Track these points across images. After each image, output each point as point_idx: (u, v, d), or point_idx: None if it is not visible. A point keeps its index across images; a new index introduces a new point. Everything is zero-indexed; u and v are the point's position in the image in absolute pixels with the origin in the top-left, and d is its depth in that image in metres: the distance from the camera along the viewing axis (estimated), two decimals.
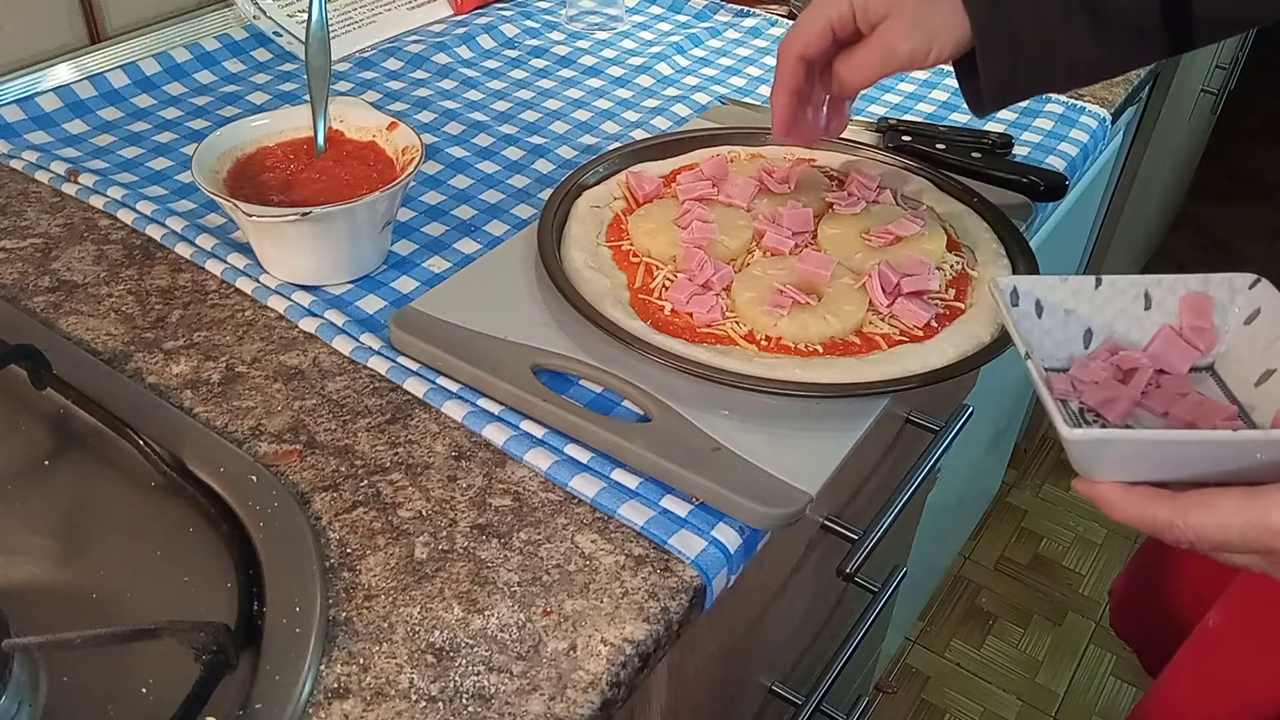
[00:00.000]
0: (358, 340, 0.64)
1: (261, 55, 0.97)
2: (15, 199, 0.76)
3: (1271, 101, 2.93)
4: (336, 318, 0.66)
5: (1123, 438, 0.44)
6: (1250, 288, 0.52)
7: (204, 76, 0.93)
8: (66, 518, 0.54)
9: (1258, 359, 0.51)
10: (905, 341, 0.62)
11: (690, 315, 0.63)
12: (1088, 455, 0.45)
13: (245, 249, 0.70)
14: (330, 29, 0.69)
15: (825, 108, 0.69)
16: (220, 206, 0.68)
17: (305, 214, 0.62)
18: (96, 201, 0.76)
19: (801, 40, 0.63)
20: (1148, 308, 0.54)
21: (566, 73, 0.98)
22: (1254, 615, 0.67)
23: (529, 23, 1.07)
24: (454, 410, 0.60)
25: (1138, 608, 0.83)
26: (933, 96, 0.97)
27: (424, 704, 0.46)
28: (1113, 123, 0.97)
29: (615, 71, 0.99)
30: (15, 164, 0.79)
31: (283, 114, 0.71)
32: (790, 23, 1.09)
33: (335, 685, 0.46)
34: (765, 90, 0.97)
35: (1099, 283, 0.53)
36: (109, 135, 0.84)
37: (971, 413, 0.74)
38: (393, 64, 0.97)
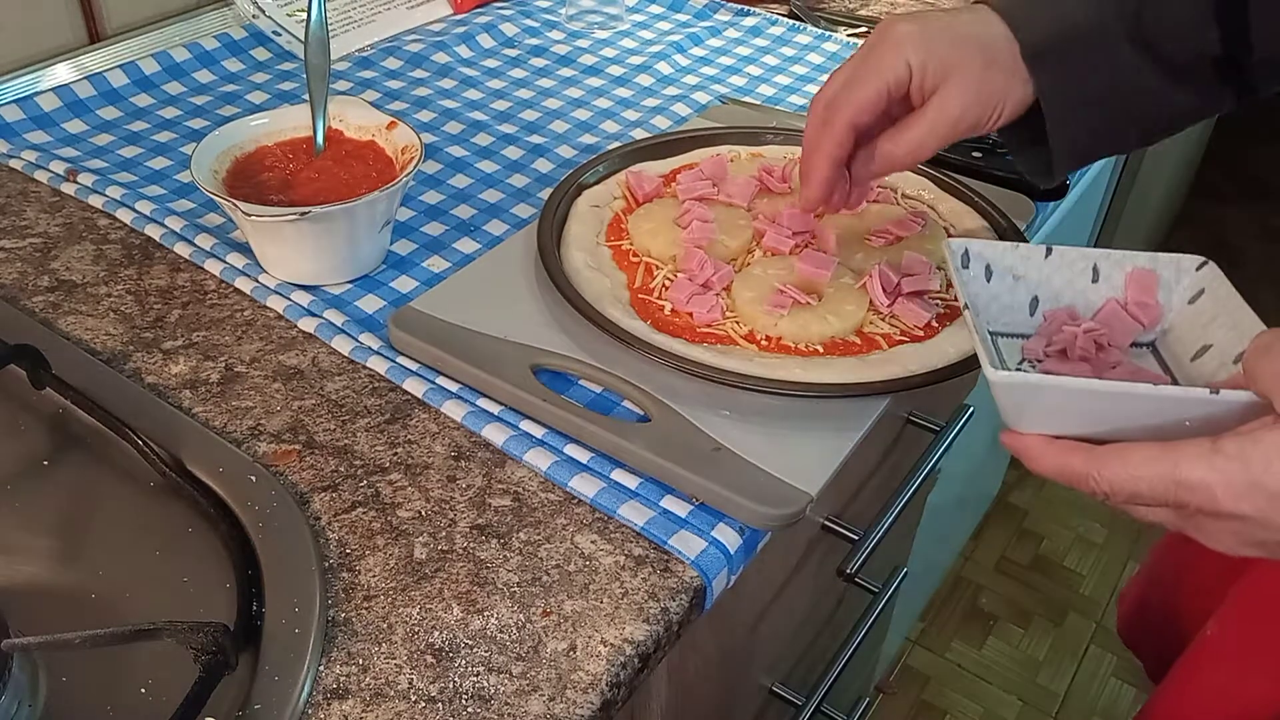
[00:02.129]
0: (357, 340, 0.64)
1: (261, 54, 0.97)
2: (14, 198, 0.76)
3: (1272, 101, 2.93)
4: (336, 317, 0.66)
5: (1045, 384, 0.44)
6: (1197, 269, 0.53)
7: (203, 76, 0.93)
8: (66, 518, 0.54)
9: (1197, 335, 0.52)
10: (906, 341, 0.62)
11: (690, 315, 0.63)
12: (1013, 402, 0.45)
13: (244, 248, 0.70)
14: (329, 28, 0.69)
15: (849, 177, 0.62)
16: (219, 206, 0.67)
17: (304, 214, 0.62)
18: (96, 201, 0.75)
19: (854, 107, 0.56)
20: (1095, 280, 0.54)
21: (566, 72, 0.98)
22: (1249, 626, 0.67)
23: (529, 22, 1.07)
24: (453, 410, 0.60)
25: (1146, 616, 0.82)
26: None
27: (423, 704, 0.46)
28: None
29: (615, 71, 0.98)
30: (14, 163, 0.79)
31: (282, 113, 0.71)
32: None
33: (334, 686, 0.46)
34: (766, 89, 0.96)
35: (1049, 252, 0.54)
36: (108, 135, 0.83)
37: (972, 413, 0.74)
38: (392, 63, 0.97)
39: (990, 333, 0.53)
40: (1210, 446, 0.40)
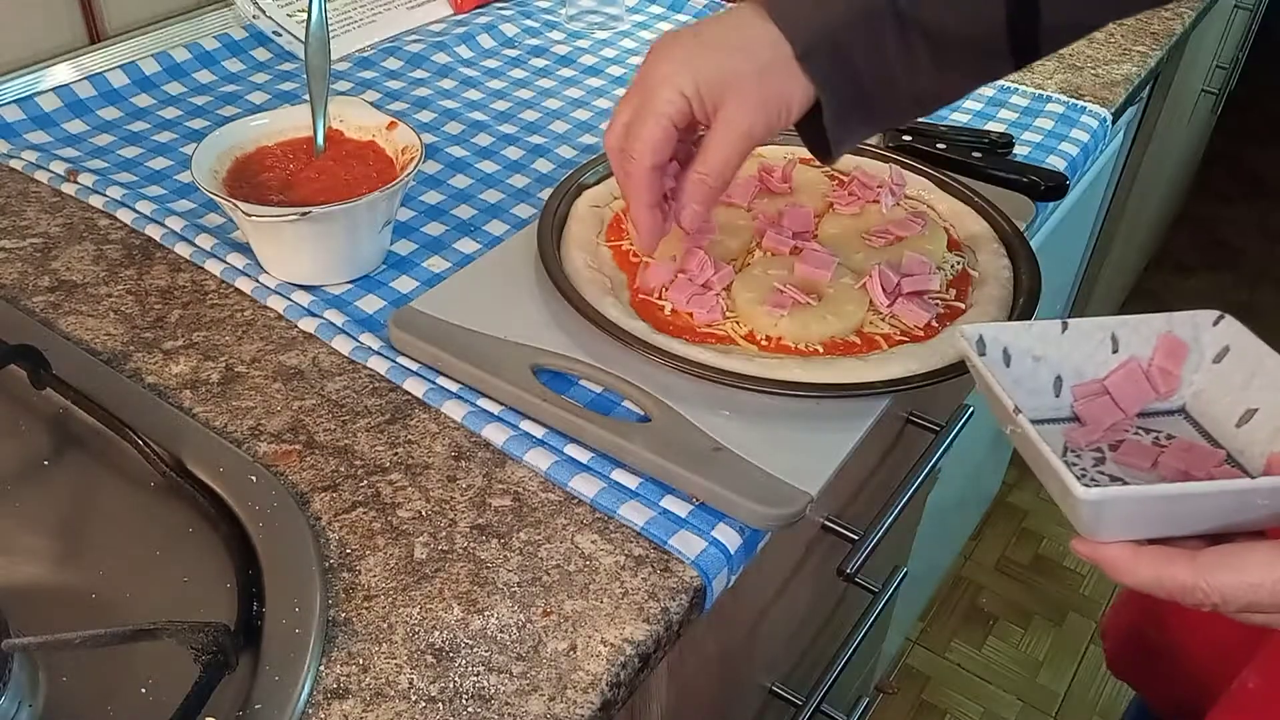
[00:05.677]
0: (357, 340, 0.64)
1: (261, 55, 0.97)
2: (15, 199, 0.76)
3: (1272, 101, 2.93)
4: (336, 317, 0.66)
5: (1137, 495, 0.41)
6: (1214, 324, 0.51)
7: (203, 76, 0.93)
8: (66, 518, 0.54)
9: (1235, 399, 0.49)
10: (906, 341, 0.62)
11: (690, 315, 0.63)
12: (1094, 515, 0.42)
13: (244, 249, 0.70)
14: (330, 28, 0.69)
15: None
16: (219, 206, 0.67)
17: (305, 214, 0.62)
18: (96, 201, 0.76)
19: (649, 150, 0.56)
20: (1115, 350, 0.52)
21: (566, 72, 0.98)
22: None
23: (529, 22, 1.07)
24: (454, 410, 0.60)
25: (1142, 653, 0.78)
26: None
27: (424, 704, 0.46)
28: (1113, 122, 0.96)
29: (615, 71, 0.98)
30: (15, 164, 0.79)
31: (282, 113, 0.71)
32: None
33: (335, 686, 0.46)
34: None
35: (1065, 327, 0.52)
36: (108, 135, 0.84)
37: (972, 413, 0.74)
38: (392, 63, 0.97)
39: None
40: None
